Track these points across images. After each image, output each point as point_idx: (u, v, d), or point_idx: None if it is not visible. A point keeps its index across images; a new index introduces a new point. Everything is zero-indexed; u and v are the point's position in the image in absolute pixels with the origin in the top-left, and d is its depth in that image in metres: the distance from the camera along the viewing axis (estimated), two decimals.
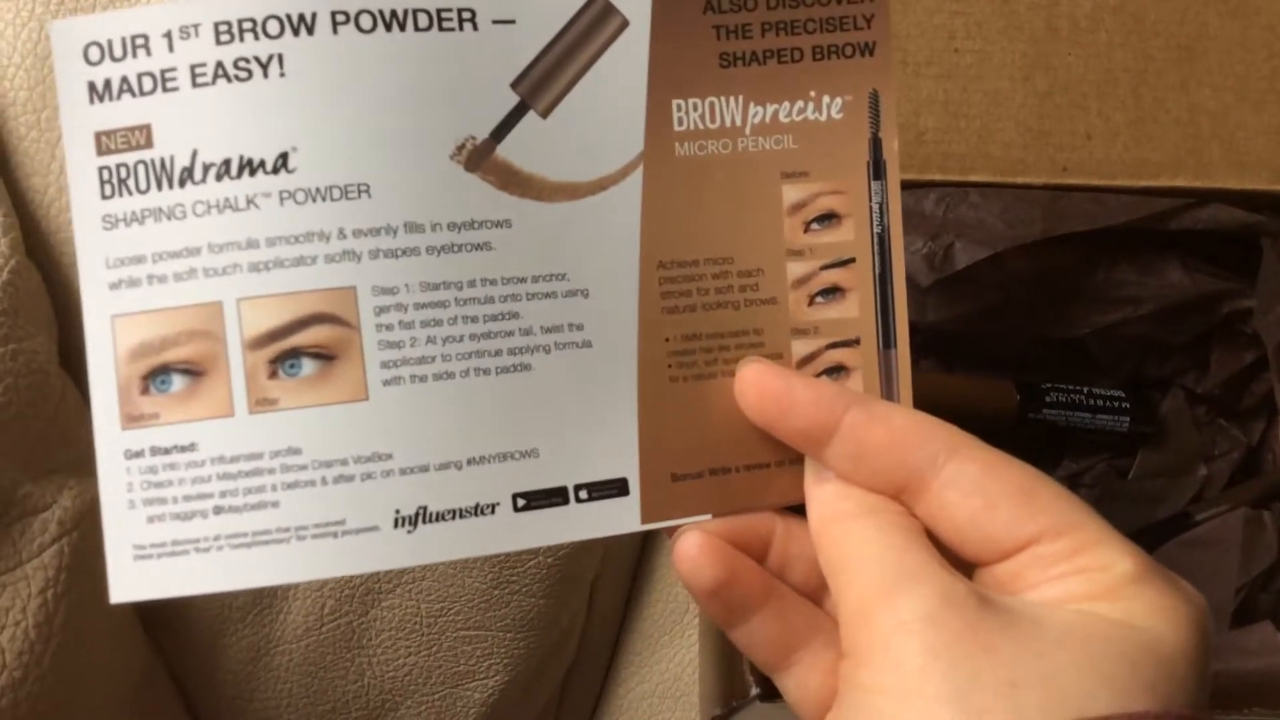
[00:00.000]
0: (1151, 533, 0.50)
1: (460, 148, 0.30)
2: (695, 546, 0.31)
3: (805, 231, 0.32)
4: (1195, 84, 0.48)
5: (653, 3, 0.31)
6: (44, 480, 0.42)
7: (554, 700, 0.59)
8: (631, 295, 0.31)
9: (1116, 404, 0.52)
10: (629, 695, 0.59)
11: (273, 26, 0.28)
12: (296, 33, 0.28)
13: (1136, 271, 0.50)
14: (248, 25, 0.28)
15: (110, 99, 0.29)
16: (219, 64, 0.28)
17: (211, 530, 0.29)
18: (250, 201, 0.28)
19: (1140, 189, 0.47)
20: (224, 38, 0.28)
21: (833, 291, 0.32)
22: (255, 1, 0.28)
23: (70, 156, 0.29)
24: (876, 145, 0.32)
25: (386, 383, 0.29)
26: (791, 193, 0.32)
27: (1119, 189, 0.47)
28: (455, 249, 0.30)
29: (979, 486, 0.28)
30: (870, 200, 0.32)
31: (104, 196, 0.29)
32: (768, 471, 0.32)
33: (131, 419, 0.29)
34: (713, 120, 0.32)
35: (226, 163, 0.28)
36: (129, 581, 0.29)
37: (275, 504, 0.29)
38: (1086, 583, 0.27)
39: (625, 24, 0.31)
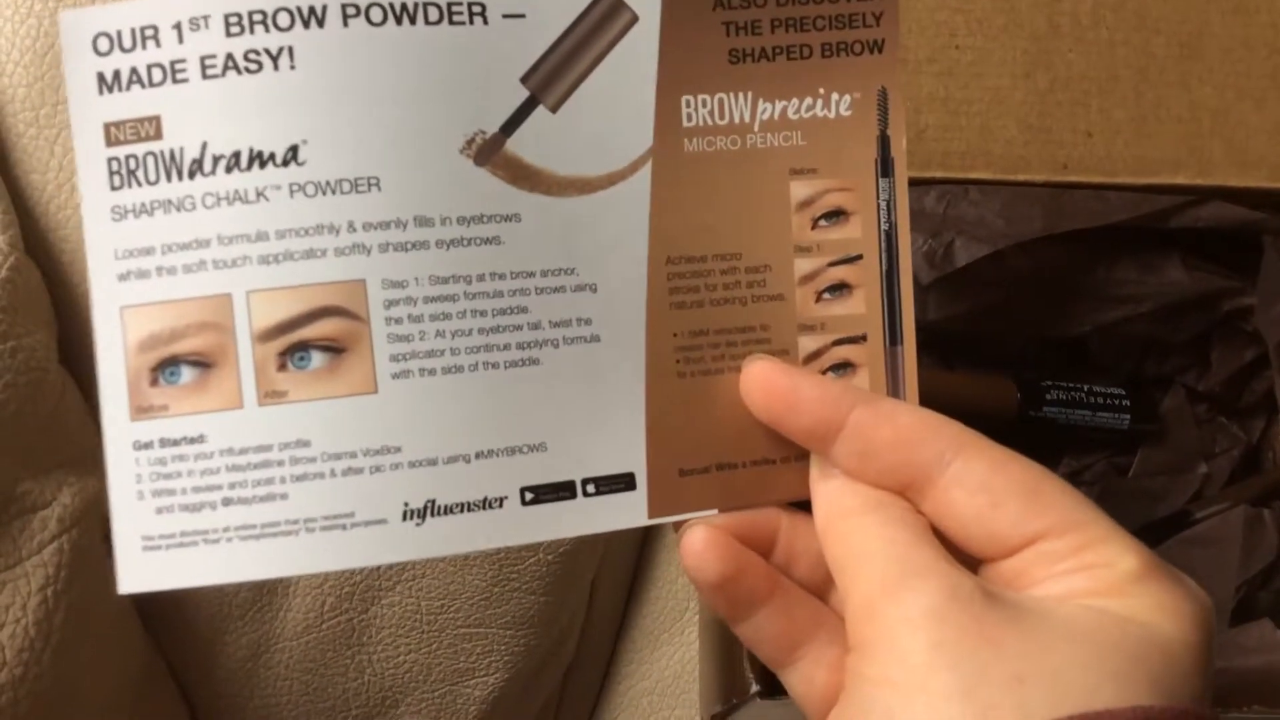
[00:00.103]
0: (1152, 530, 0.50)
1: (470, 141, 0.30)
2: (701, 541, 0.31)
3: (813, 228, 0.32)
4: (1196, 81, 0.48)
5: None
6: (44, 477, 0.42)
7: (554, 698, 0.59)
8: (640, 290, 0.31)
9: (1117, 402, 0.52)
10: (629, 693, 0.59)
11: (283, 19, 0.28)
12: (307, 25, 0.28)
13: (1137, 269, 0.50)
14: (258, 17, 0.28)
15: (120, 90, 0.29)
16: (229, 56, 0.28)
17: (220, 522, 0.29)
18: (260, 194, 0.28)
19: (1141, 186, 0.47)
20: (234, 29, 0.28)
21: (840, 288, 0.33)
22: None
23: (79, 147, 0.29)
24: (884, 143, 0.32)
25: (395, 376, 0.29)
26: (799, 189, 0.32)
27: (1120, 186, 0.47)
28: (464, 243, 0.30)
29: (985, 484, 0.28)
30: (878, 197, 0.32)
31: (113, 188, 0.29)
32: (774, 467, 0.32)
33: (141, 410, 0.29)
34: (721, 116, 0.32)
35: (236, 155, 0.28)
36: (137, 572, 0.29)
37: (284, 496, 0.29)
38: (1091, 579, 0.27)
39: (635, 19, 0.31)
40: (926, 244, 0.47)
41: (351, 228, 0.29)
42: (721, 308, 0.32)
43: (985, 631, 0.26)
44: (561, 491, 0.31)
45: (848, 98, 0.32)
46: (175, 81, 0.28)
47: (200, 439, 0.29)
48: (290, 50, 0.28)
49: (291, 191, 0.29)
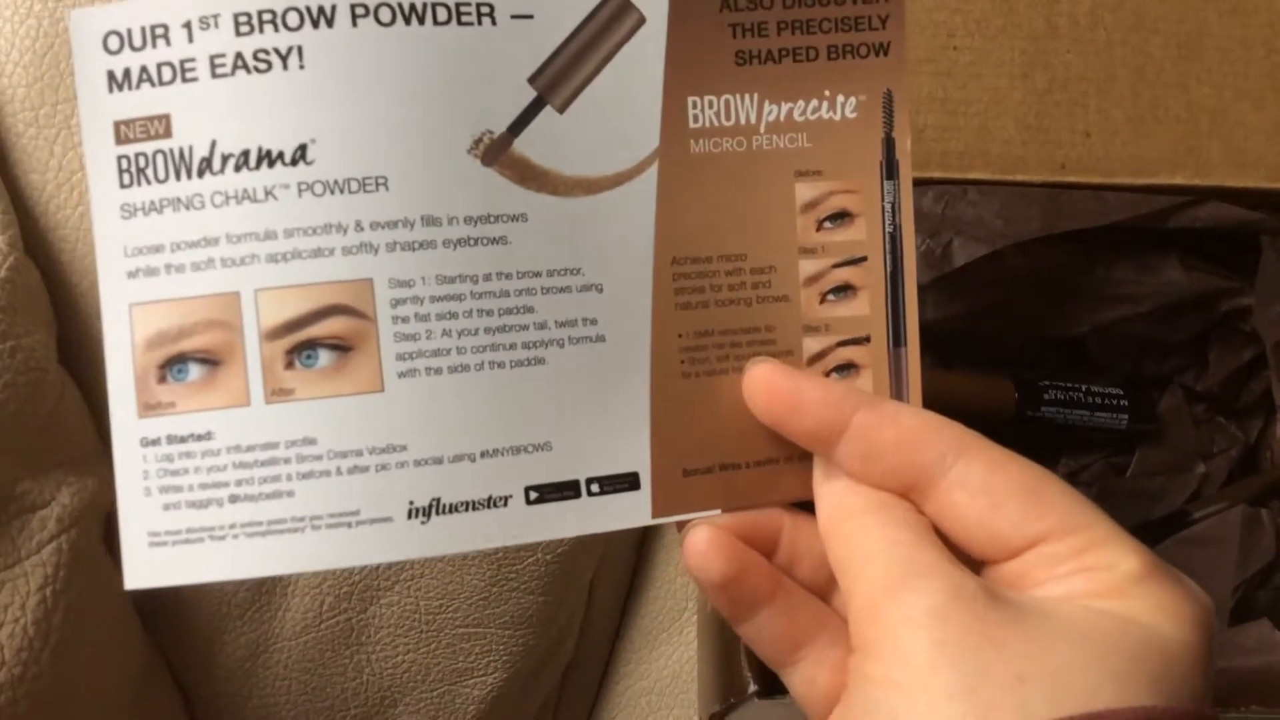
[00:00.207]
0: (1149, 530, 0.51)
1: (478, 141, 0.30)
2: (705, 541, 0.31)
3: (818, 230, 0.32)
4: (1194, 82, 0.48)
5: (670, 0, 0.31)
6: (43, 477, 0.42)
7: (553, 697, 0.59)
8: (645, 291, 0.32)
9: (1115, 402, 0.52)
10: (628, 692, 0.59)
11: (292, 18, 0.28)
12: (316, 25, 0.28)
13: (1135, 269, 0.51)
14: (267, 17, 0.28)
15: (129, 88, 0.29)
16: (238, 55, 0.28)
17: (226, 519, 0.29)
18: (269, 193, 0.29)
19: (1139, 187, 0.47)
20: (244, 29, 0.28)
21: (844, 289, 0.33)
22: None
23: (88, 145, 0.29)
24: (889, 145, 0.32)
25: (402, 375, 0.29)
26: (805, 191, 0.32)
27: (1118, 187, 0.47)
28: (471, 242, 0.30)
29: (986, 486, 0.28)
30: (882, 200, 0.33)
31: (122, 185, 0.29)
32: (777, 467, 0.32)
33: (148, 407, 0.29)
34: (728, 118, 0.32)
35: (245, 154, 0.28)
36: (144, 568, 0.29)
37: (290, 493, 0.29)
38: (1092, 581, 0.27)
39: (642, 20, 0.31)
40: (925, 244, 0.47)
41: (359, 227, 0.29)
42: (726, 308, 0.32)
43: (987, 631, 0.26)
44: (566, 491, 0.31)
45: (853, 100, 0.32)
46: (185, 80, 0.28)
47: (207, 436, 0.29)
48: (299, 50, 0.28)
49: (300, 190, 0.29)
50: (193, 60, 0.28)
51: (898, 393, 0.33)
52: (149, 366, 0.29)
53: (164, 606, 0.49)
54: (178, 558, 0.29)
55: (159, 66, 0.29)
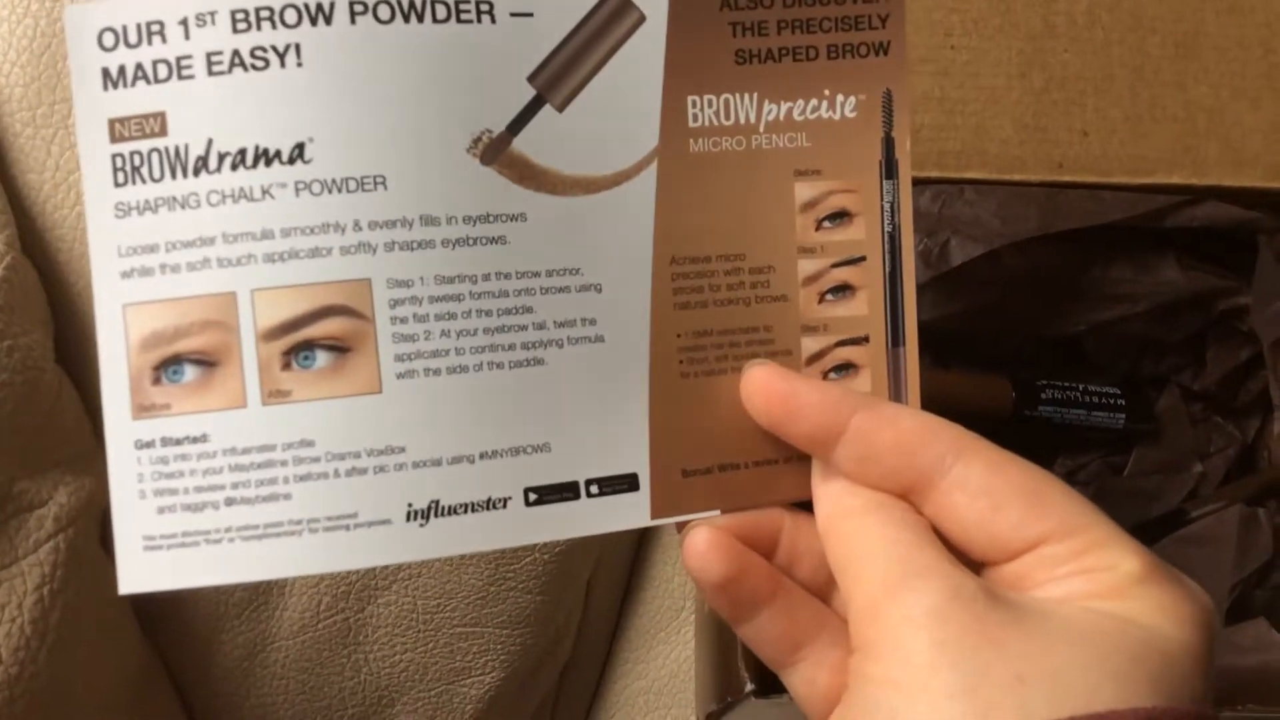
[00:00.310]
0: (1147, 530, 0.51)
1: (477, 140, 0.30)
2: (704, 542, 0.31)
3: (817, 229, 0.32)
4: (1192, 81, 0.48)
5: None
6: (40, 476, 0.42)
7: (550, 697, 0.59)
8: (644, 290, 0.31)
9: (1112, 401, 0.52)
10: (625, 692, 0.59)
11: (290, 15, 0.28)
12: (314, 22, 0.28)
13: (1132, 269, 0.51)
14: (265, 14, 0.28)
15: (125, 86, 0.28)
16: (235, 52, 0.28)
17: (222, 522, 0.29)
18: (265, 192, 0.28)
19: (1136, 186, 0.47)
20: (241, 26, 0.28)
21: (843, 289, 0.33)
22: None
23: (83, 143, 0.28)
24: (889, 145, 0.32)
25: (400, 376, 0.29)
26: (804, 190, 0.32)
27: (1115, 186, 0.47)
28: (470, 242, 0.30)
29: (986, 488, 0.28)
30: (882, 199, 0.32)
31: (117, 184, 0.29)
32: (776, 468, 0.32)
33: (143, 409, 0.29)
34: (727, 117, 0.32)
35: (242, 152, 0.28)
36: (138, 572, 0.29)
37: (287, 496, 0.29)
38: (1092, 582, 0.27)
39: (642, 19, 0.31)
40: (922, 243, 0.47)
41: (357, 226, 0.29)
42: (725, 308, 0.32)
43: (987, 631, 0.26)
44: (565, 492, 0.31)
45: (853, 99, 0.32)
46: (181, 78, 0.28)
47: (203, 438, 0.29)
48: (297, 47, 0.28)
49: (297, 190, 0.28)
50: (189, 57, 0.28)
51: (896, 393, 0.33)
52: (143, 368, 0.29)
53: (161, 606, 0.49)
54: (173, 561, 0.29)
55: (155, 64, 0.28)
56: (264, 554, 0.29)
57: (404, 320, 0.29)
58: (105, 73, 0.28)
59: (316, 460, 0.29)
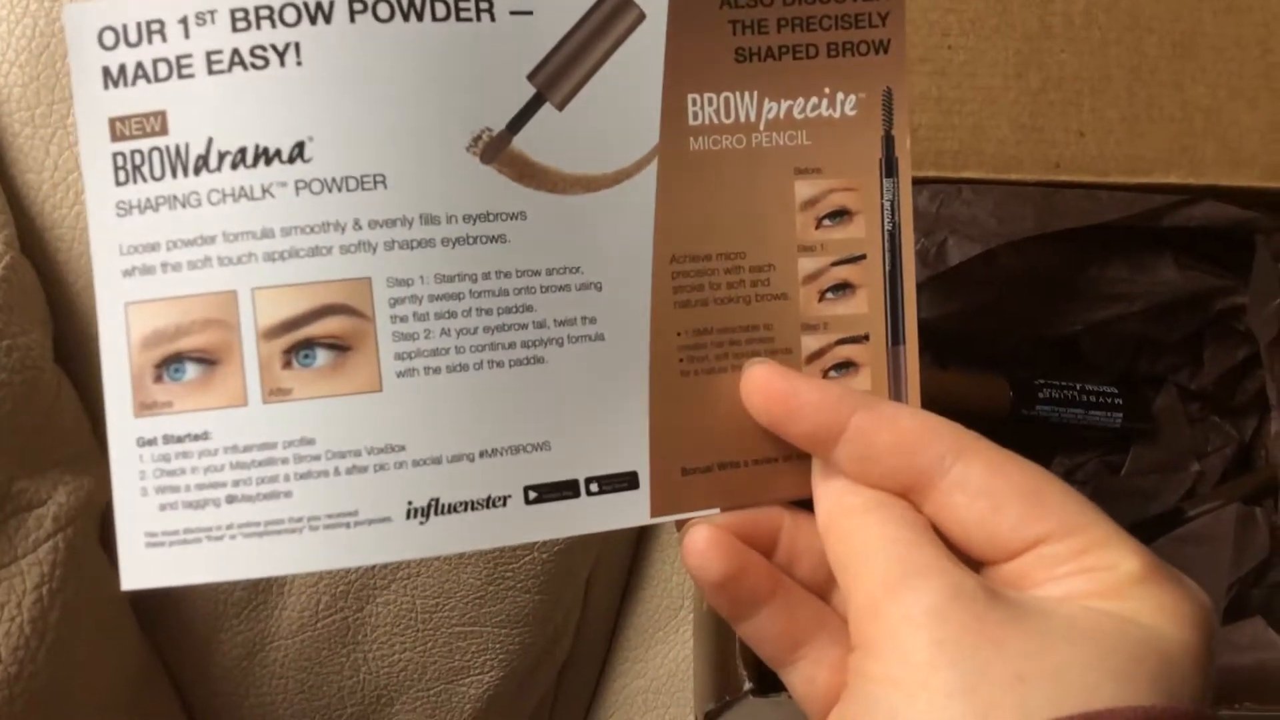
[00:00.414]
0: (1144, 529, 0.51)
1: (476, 139, 0.30)
2: (704, 540, 0.31)
3: (817, 228, 0.32)
4: (1189, 81, 0.48)
5: None
6: (39, 476, 0.42)
7: (549, 696, 0.58)
8: (644, 289, 0.31)
9: (1109, 400, 0.52)
10: (624, 691, 0.59)
11: (290, 14, 0.28)
12: (314, 21, 0.28)
13: (1129, 268, 0.51)
14: (264, 12, 0.28)
15: (125, 84, 0.28)
16: (235, 51, 0.28)
17: (224, 519, 0.29)
18: (266, 191, 0.28)
19: (1133, 186, 0.48)
20: (240, 25, 0.28)
21: (843, 288, 0.33)
22: None
23: (84, 142, 0.28)
24: (889, 143, 0.32)
25: (400, 374, 0.29)
26: (804, 189, 0.32)
27: (1112, 186, 0.47)
28: (470, 241, 0.30)
29: (986, 488, 0.28)
30: (882, 197, 0.33)
31: (118, 183, 0.29)
32: (775, 466, 0.32)
33: (144, 407, 0.29)
34: (727, 115, 0.32)
35: (242, 151, 0.28)
36: (140, 569, 0.29)
37: (288, 494, 0.29)
38: (1092, 581, 0.27)
39: (642, 17, 0.31)
40: (920, 243, 0.47)
41: (357, 225, 0.29)
42: (725, 306, 0.32)
43: (987, 630, 0.26)
44: (565, 490, 0.31)
45: (853, 98, 0.32)
46: (181, 77, 0.28)
47: (204, 436, 0.29)
48: (296, 46, 0.28)
49: (297, 189, 0.28)
50: (189, 56, 0.28)
51: (896, 391, 0.33)
52: (145, 366, 0.29)
53: (160, 605, 0.49)
54: (174, 558, 0.29)
55: (155, 63, 0.28)
56: (265, 551, 0.29)
57: (404, 319, 0.29)
58: (105, 71, 0.28)
59: (317, 458, 0.29)
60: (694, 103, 0.31)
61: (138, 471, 0.29)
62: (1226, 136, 0.48)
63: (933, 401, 0.32)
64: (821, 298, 0.33)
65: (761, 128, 0.32)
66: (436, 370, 0.29)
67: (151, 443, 0.29)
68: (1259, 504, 0.51)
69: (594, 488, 0.31)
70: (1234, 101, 0.48)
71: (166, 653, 0.50)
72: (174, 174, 0.28)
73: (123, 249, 0.29)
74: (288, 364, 0.29)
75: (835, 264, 0.33)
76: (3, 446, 0.40)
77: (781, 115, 0.32)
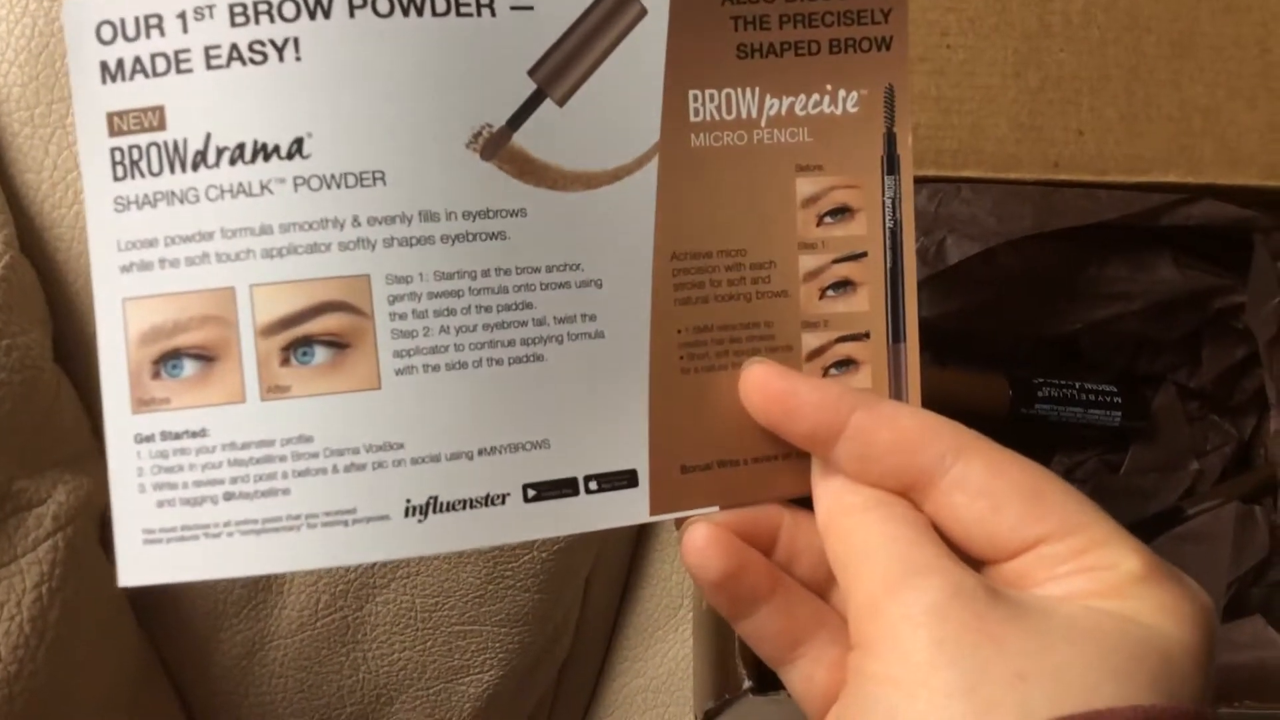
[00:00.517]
0: (1143, 527, 0.51)
1: (476, 135, 0.29)
2: (703, 538, 0.31)
3: (818, 225, 0.32)
4: (1187, 80, 0.48)
5: None
6: (39, 475, 0.42)
7: (549, 695, 0.58)
8: (645, 286, 0.31)
9: (1108, 399, 0.52)
10: (624, 690, 0.59)
11: (288, 9, 0.28)
12: (313, 16, 0.28)
13: (1128, 267, 0.51)
14: (263, 7, 0.28)
15: (123, 79, 0.28)
16: (234, 46, 0.28)
17: (221, 516, 0.28)
18: (264, 187, 0.28)
19: (1132, 185, 0.47)
20: (239, 19, 0.28)
21: (844, 285, 0.33)
22: None
23: (82, 137, 0.28)
24: (891, 140, 0.32)
25: (399, 372, 0.29)
26: (805, 186, 0.32)
27: (1111, 185, 0.47)
28: (470, 238, 0.29)
29: (986, 488, 0.28)
30: (883, 195, 0.32)
31: (116, 178, 0.28)
32: (775, 464, 0.32)
33: (142, 403, 0.29)
34: (729, 112, 0.32)
35: (240, 147, 0.28)
36: (138, 566, 0.29)
37: (286, 491, 0.29)
38: (1093, 581, 0.27)
39: (644, 12, 0.31)
40: (918, 242, 0.47)
41: (356, 222, 0.29)
42: (726, 304, 0.32)
43: (987, 629, 0.26)
44: (564, 488, 0.31)
45: (855, 94, 0.32)
46: (179, 72, 0.28)
47: (202, 433, 0.28)
48: (295, 41, 0.28)
49: (296, 185, 0.28)
50: (187, 51, 0.28)
51: (896, 389, 0.33)
52: (143, 362, 0.28)
53: (159, 604, 0.49)
54: (172, 555, 0.29)
55: (153, 57, 0.28)
56: (262, 549, 0.29)
57: (403, 316, 0.29)
58: (103, 66, 0.28)
59: (315, 456, 0.29)
60: (695, 99, 0.31)
61: (135, 468, 0.29)
62: (1225, 136, 0.48)
63: (932, 400, 0.32)
64: (822, 295, 0.32)
65: (763, 124, 0.32)
66: (435, 368, 0.29)
67: (149, 439, 0.29)
68: (1258, 502, 0.51)
69: (593, 486, 0.31)
70: (1232, 101, 0.48)
71: (166, 652, 0.50)
72: (172, 169, 0.28)
73: (120, 245, 0.28)
74: (286, 361, 0.29)
75: (836, 261, 0.32)
76: (2, 446, 0.40)
77: (783, 112, 0.32)
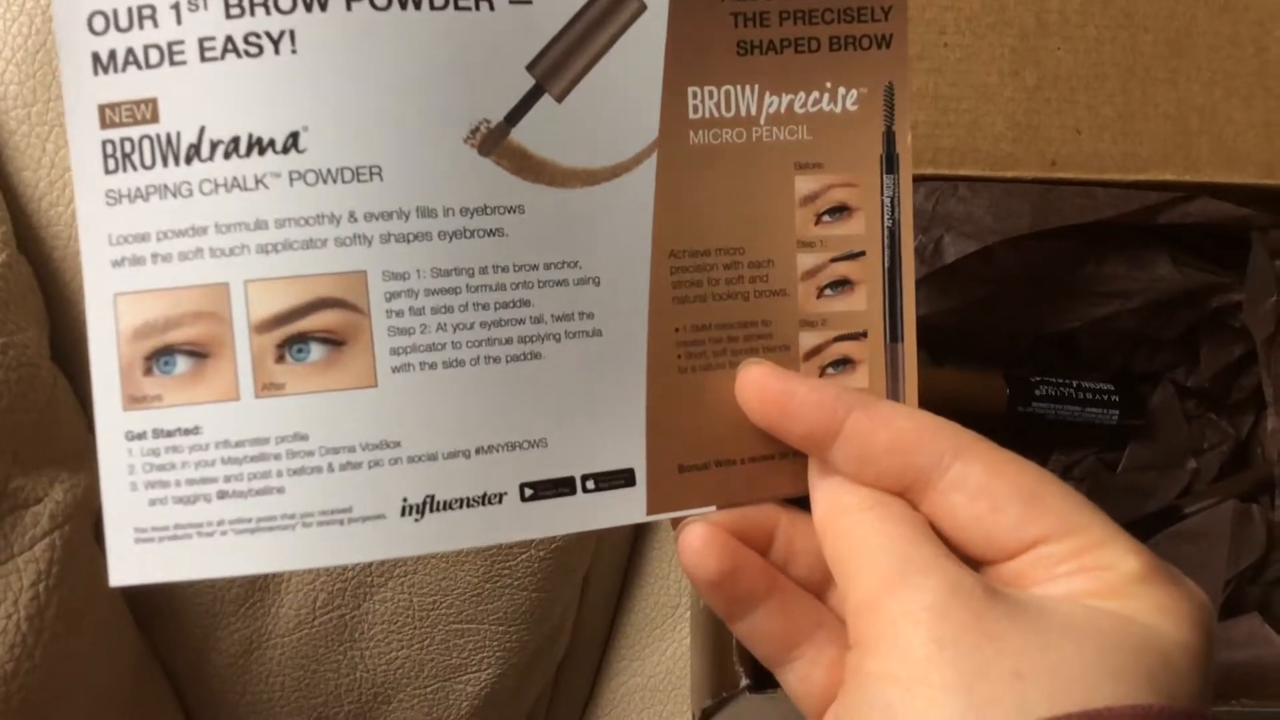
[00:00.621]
0: (1141, 526, 0.51)
1: (474, 131, 0.29)
2: (699, 539, 0.31)
3: (816, 223, 0.32)
4: (1184, 79, 0.48)
5: None
6: (35, 474, 0.42)
7: (546, 693, 0.58)
8: (643, 284, 0.31)
9: (1106, 397, 0.52)
10: (621, 688, 0.59)
11: (284, 1, 0.28)
12: (309, 9, 0.28)
13: (1125, 265, 0.51)
14: None
15: (115, 71, 0.28)
16: (229, 38, 0.28)
17: (215, 515, 0.28)
18: (259, 181, 0.28)
19: (1129, 183, 0.48)
20: (234, 11, 0.27)
21: (842, 284, 0.32)
22: None
23: (72, 129, 0.28)
24: (890, 139, 0.32)
25: (396, 369, 0.29)
26: (804, 184, 0.32)
27: (1108, 183, 0.47)
28: (467, 234, 0.29)
29: (984, 489, 0.28)
30: (882, 194, 0.32)
31: (107, 171, 0.28)
32: (772, 464, 0.32)
33: (134, 400, 0.28)
34: (728, 109, 0.31)
35: (235, 141, 0.28)
36: (129, 564, 0.28)
37: (280, 490, 0.28)
38: (1091, 581, 0.27)
39: (643, 8, 0.30)
40: (916, 240, 0.47)
41: (352, 218, 0.28)
42: (724, 302, 0.32)
43: (986, 627, 0.26)
44: (561, 487, 0.31)
45: (854, 93, 0.32)
46: (173, 64, 0.28)
47: (195, 430, 0.28)
48: (291, 34, 0.28)
49: (291, 179, 0.28)
50: (181, 43, 0.28)
51: (894, 388, 0.33)
52: (134, 358, 0.28)
53: (157, 603, 0.49)
54: (164, 554, 0.28)
55: (146, 48, 0.28)
56: (257, 548, 0.28)
57: (400, 313, 0.29)
58: (95, 57, 0.28)
59: (310, 454, 0.28)
60: (694, 96, 0.31)
61: (126, 466, 0.28)
62: (1221, 134, 0.48)
63: (928, 399, 0.31)
64: (820, 294, 0.32)
65: (762, 122, 0.32)
66: (432, 365, 0.29)
67: (141, 436, 0.28)
68: (1255, 501, 0.51)
69: (590, 485, 0.31)
70: (1229, 99, 0.48)
71: (163, 650, 0.50)
72: (165, 163, 0.28)
73: (112, 239, 0.28)
74: (281, 358, 0.28)
75: (834, 260, 0.32)
76: None
77: (783, 109, 0.32)
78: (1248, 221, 0.48)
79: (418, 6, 0.28)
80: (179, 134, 0.28)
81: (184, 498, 0.28)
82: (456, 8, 0.29)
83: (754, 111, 0.32)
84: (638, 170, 0.31)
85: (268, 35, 0.28)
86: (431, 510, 0.29)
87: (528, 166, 0.30)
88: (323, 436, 0.29)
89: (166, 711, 0.50)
